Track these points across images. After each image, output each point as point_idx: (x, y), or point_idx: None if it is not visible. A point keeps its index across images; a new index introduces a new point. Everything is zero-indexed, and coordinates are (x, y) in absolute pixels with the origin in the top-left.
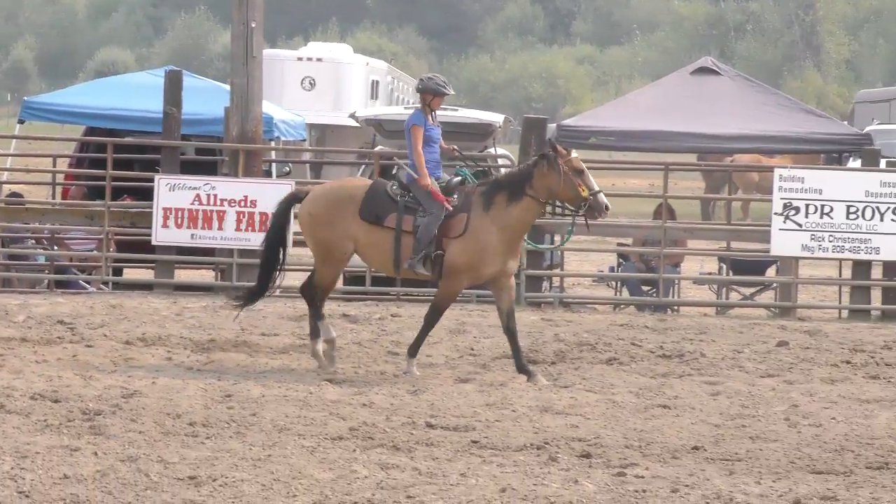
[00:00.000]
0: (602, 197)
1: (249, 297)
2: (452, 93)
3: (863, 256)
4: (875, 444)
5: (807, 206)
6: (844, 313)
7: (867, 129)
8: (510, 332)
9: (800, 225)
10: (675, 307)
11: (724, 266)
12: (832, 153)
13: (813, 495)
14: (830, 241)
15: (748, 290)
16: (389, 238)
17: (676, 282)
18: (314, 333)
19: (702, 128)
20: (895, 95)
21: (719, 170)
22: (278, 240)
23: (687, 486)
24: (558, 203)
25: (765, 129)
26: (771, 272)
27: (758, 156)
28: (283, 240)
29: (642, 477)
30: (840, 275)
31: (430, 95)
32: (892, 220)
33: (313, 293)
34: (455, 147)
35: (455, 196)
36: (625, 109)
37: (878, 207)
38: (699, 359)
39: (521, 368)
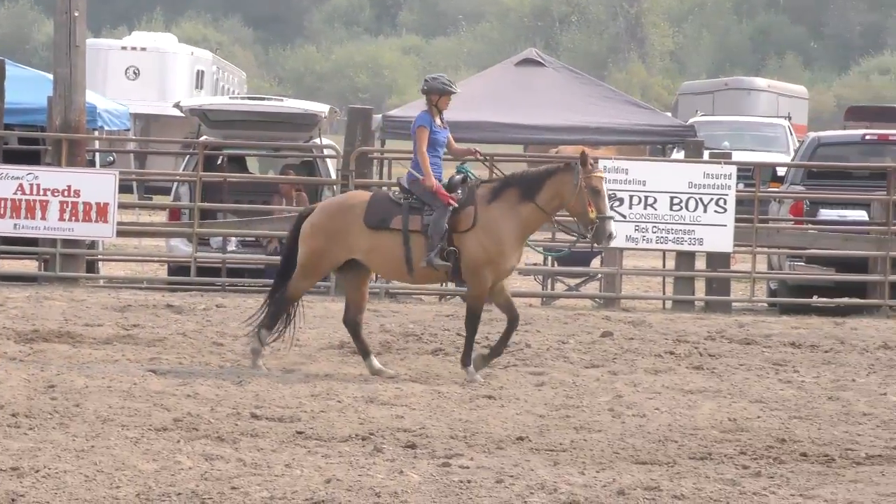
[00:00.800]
0: (609, 225)
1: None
2: (458, 91)
3: (686, 247)
4: (698, 435)
5: (631, 197)
6: (668, 304)
7: (691, 120)
8: (510, 325)
9: (624, 216)
10: None
11: (550, 257)
12: (656, 144)
13: (637, 485)
14: (654, 233)
15: (573, 281)
16: (397, 240)
17: None
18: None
19: (527, 119)
20: (719, 87)
21: (544, 161)
22: (293, 255)
23: (511, 476)
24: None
25: (589, 121)
26: (595, 263)
27: (582, 147)
28: (294, 255)
29: (467, 467)
30: (664, 266)
31: (436, 96)
32: (716, 211)
33: (282, 304)
34: (477, 150)
35: (459, 192)
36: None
37: (701, 199)
38: (524, 349)
39: (475, 364)
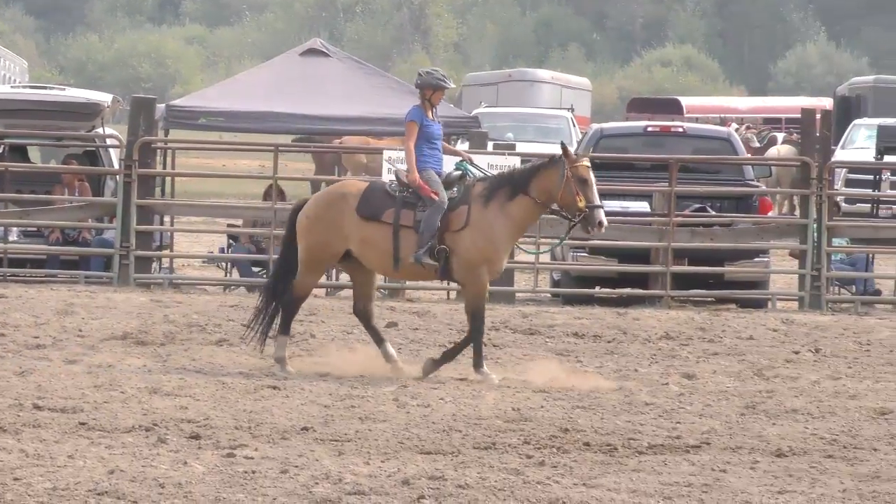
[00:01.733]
0: (599, 213)
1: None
2: (453, 86)
3: None
4: (482, 425)
5: None
6: (452, 295)
7: (475, 111)
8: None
9: None
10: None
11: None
12: None
13: (421, 475)
14: None
15: None
16: (388, 233)
17: None
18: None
19: (311, 109)
20: (503, 79)
21: (328, 151)
22: (291, 253)
23: (296, 466)
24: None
25: (373, 111)
26: None
27: (366, 137)
28: (293, 252)
29: (252, 458)
30: None
31: (429, 90)
32: None
33: (292, 305)
34: (465, 153)
35: (455, 189)
36: (234, 90)
37: None
38: (309, 340)
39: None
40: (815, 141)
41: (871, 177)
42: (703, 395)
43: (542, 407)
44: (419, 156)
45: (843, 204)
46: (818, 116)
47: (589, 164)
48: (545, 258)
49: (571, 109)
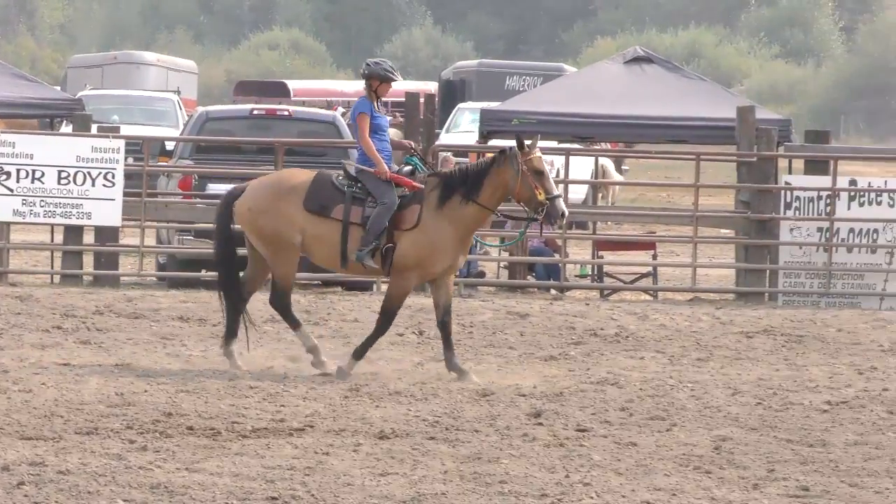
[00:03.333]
0: (560, 203)
1: (228, 329)
2: (400, 78)
3: (74, 222)
4: (85, 410)
5: (18, 170)
6: (56, 279)
7: (79, 94)
8: (444, 325)
9: (11, 190)
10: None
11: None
12: (44, 118)
13: (21, 461)
14: (42, 207)
15: None
16: (336, 230)
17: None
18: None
19: None
20: (108, 61)
21: None
22: (230, 249)
23: None
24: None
25: None
26: None
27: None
28: (233, 247)
29: None
30: (52, 240)
31: (376, 81)
32: (104, 185)
33: (282, 299)
34: (411, 142)
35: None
36: None
37: (89, 172)
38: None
39: (452, 366)
40: (419, 124)
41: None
42: (307, 379)
43: (145, 391)
44: None
45: None
46: (422, 100)
47: (542, 156)
48: (150, 241)
49: (178, 92)
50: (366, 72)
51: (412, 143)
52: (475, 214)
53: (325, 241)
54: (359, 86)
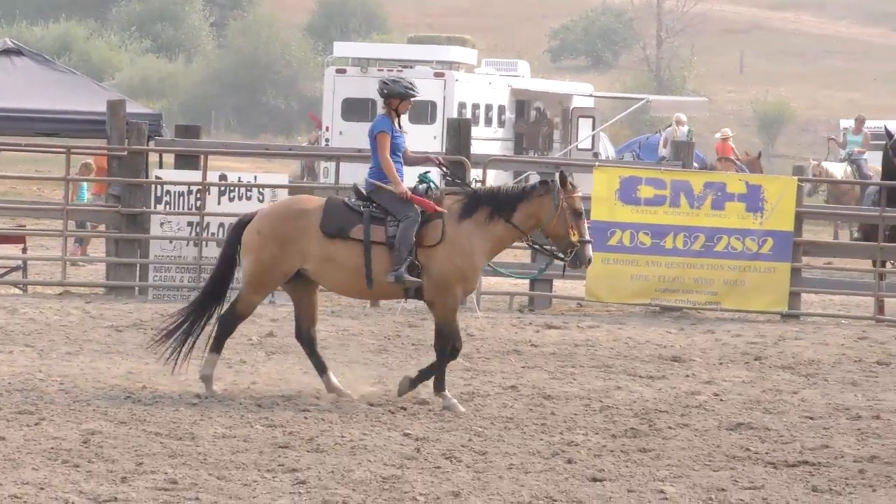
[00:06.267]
0: (589, 249)
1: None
2: (419, 94)
3: None
4: None
5: None
6: None
7: None
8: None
9: None
10: None
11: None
12: None
13: None
14: None
15: None
16: (357, 251)
17: None
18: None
19: None
20: None
21: None
22: (229, 273)
23: None
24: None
25: None
26: None
27: None
28: (232, 270)
29: None
30: None
31: (396, 100)
32: None
33: (232, 322)
34: (439, 157)
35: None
36: None
37: None
38: None
39: (438, 388)
40: None
41: None
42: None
43: None
44: None
45: None
46: None
47: (582, 196)
48: None
49: None
50: (385, 91)
51: (440, 157)
52: (502, 233)
53: (344, 264)
54: None
